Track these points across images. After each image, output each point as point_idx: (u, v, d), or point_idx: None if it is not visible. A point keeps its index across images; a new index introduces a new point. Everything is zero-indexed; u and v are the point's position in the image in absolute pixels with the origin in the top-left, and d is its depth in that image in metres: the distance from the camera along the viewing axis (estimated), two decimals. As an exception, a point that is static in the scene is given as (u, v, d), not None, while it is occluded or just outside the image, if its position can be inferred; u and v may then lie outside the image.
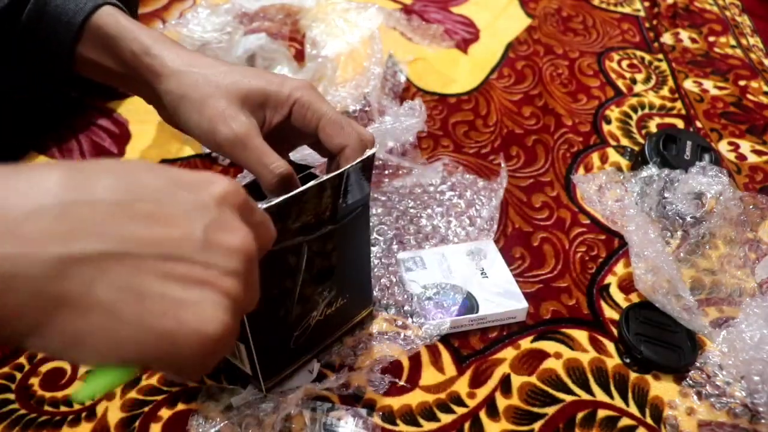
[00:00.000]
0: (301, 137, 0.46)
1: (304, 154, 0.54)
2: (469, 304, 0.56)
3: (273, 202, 0.39)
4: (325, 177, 0.42)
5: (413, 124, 0.68)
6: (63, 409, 0.49)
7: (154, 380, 0.51)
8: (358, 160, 0.43)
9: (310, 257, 0.45)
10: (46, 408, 0.49)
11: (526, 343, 0.56)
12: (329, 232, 0.45)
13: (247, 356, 0.46)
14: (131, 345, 0.25)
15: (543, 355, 0.56)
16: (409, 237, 0.63)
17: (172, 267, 0.26)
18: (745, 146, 0.80)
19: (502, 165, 0.70)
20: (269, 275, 0.43)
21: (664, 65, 0.93)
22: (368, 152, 0.44)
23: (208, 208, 0.28)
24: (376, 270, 0.60)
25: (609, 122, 0.81)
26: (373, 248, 0.62)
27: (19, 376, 0.50)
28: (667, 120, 0.83)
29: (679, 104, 0.86)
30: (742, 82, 0.91)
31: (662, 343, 0.56)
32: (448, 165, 0.71)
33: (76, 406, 0.49)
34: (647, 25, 1.01)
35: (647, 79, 0.89)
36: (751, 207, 0.66)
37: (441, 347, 0.55)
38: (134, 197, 0.26)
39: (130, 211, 0.26)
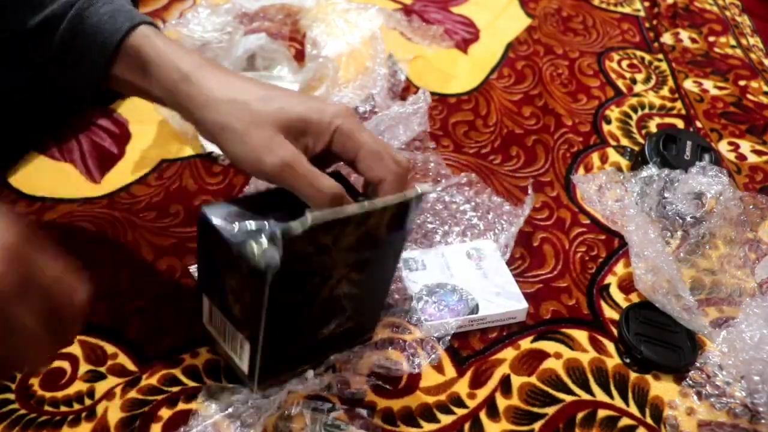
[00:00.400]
0: (340, 160, 0.46)
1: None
2: (469, 305, 0.56)
3: (317, 215, 0.38)
4: (377, 206, 0.41)
5: (419, 108, 0.68)
6: (63, 409, 0.49)
7: (154, 380, 0.51)
8: (412, 196, 0.43)
9: (338, 279, 0.45)
10: (46, 408, 0.48)
11: (526, 344, 0.56)
12: (362, 260, 0.45)
13: (250, 355, 0.46)
14: None
15: (543, 355, 0.56)
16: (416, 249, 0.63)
17: None
18: (745, 146, 0.80)
19: (530, 192, 0.68)
20: (296, 284, 0.43)
21: (664, 65, 0.93)
22: (422, 189, 0.43)
23: None
24: None
25: (609, 122, 0.81)
26: None
27: (19, 376, 0.50)
28: (667, 120, 0.83)
29: (679, 104, 0.86)
30: (742, 82, 0.91)
31: (662, 343, 0.56)
32: (476, 184, 0.69)
33: (76, 406, 0.49)
34: (647, 25, 1.01)
35: (647, 79, 0.89)
36: (751, 207, 0.66)
37: (440, 348, 0.55)
38: None
39: None
